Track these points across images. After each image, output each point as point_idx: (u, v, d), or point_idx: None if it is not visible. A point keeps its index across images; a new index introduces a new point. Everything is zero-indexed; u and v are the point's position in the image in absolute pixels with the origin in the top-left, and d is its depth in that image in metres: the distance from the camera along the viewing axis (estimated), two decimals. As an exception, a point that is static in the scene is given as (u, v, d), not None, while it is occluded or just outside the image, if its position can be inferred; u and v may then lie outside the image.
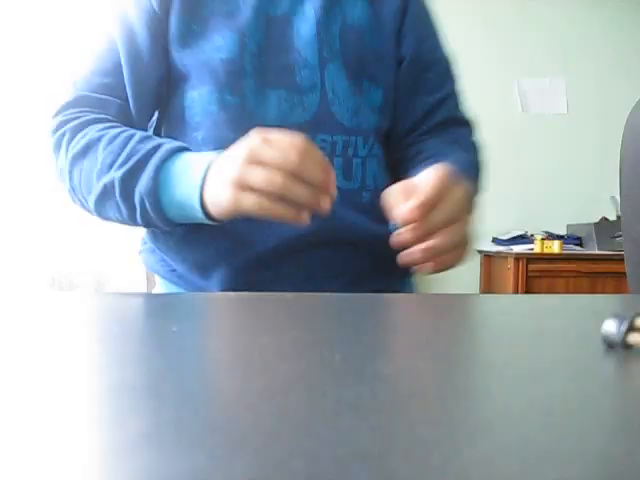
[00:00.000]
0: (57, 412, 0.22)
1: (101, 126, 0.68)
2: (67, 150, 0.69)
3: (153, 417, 0.22)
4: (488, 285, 2.82)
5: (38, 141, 2.19)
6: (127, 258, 2.41)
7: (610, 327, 0.34)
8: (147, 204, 0.63)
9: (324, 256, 0.72)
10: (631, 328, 0.34)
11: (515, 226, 2.86)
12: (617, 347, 0.34)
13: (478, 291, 2.92)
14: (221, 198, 0.59)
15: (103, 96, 0.72)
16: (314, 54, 0.70)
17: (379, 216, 0.67)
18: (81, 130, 0.69)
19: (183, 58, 0.71)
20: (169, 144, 0.65)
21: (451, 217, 0.65)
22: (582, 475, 0.17)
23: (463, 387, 0.27)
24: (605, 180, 2.84)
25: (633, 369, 0.31)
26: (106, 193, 0.66)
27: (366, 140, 0.74)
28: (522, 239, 2.67)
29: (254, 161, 0.56)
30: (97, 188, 0.66)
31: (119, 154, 0.64)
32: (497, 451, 0.18)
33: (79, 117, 0.70)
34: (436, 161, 0.67)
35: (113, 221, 0.72)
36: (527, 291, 2.48)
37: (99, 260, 2.34)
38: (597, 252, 2.53)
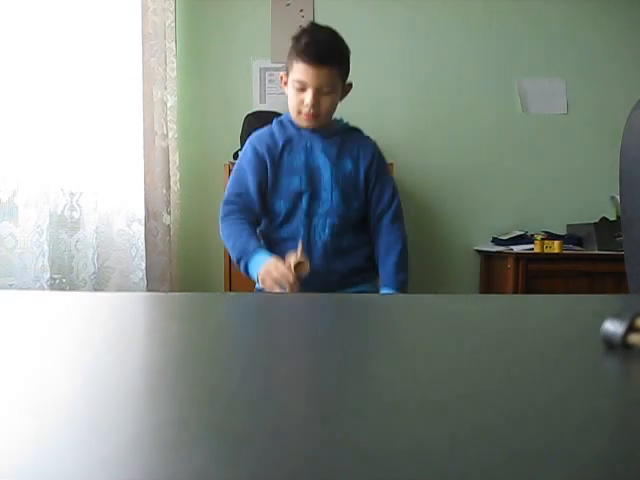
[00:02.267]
0: (57, 412, 0.22)
1: (238, 223, 1.52)
2: (226, 229, 1.54)
3: (153, 417, 0.22)
4: (488, 285, 2.82)
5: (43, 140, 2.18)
6: (127, 258, 2.41)
7: (610, 327, 0.34)
8: (241, 266, 1.50)
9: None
10: (631, 328, 0.34)
11: (515, 226, 2.86)
12: (617, 347, 0.34)
13: (478, 291, 2.93)
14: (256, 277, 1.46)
15: (241, 206, 1.54)
16: (329, 186, 1.52)
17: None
18: (230, 224, 1.54)
19: (275, 192, 1.54)
20: (255, 248, 1.47)
21: None
22: (582, 475, 0.17)
23: (463, 387, 0.27)
24: (605, 180, 2.84)
25: (633, 369, 0.31)
26: (236, 259, 1.51)
27: (346, 218, 1.54)
28: (522, 239, 2.67)
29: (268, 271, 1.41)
30: (232, 252, 1.53)
31: (237, 247, 1.50)
32: (497, 451, 0.18)
33: (231, 218, 1.54)
34: (383, 282, 1.59)
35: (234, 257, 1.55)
36: (527, 291, 2.48)
37: (99, 260, 2.34)
38: (597, 252, 2.53)
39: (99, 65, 2.35)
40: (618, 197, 1.09)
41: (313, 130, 1.52)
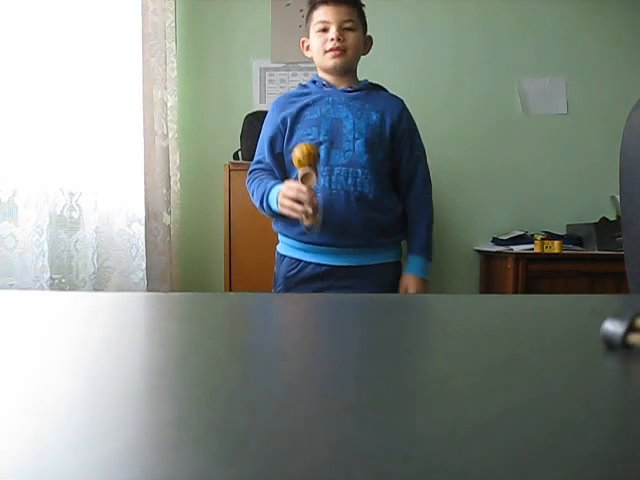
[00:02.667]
0: (57, 412, 0.22)
1: (259, 179, 1.54)
2: (251, 186, 1.56)
3: (153, 417, 0.22)
4: (488, 285, 2.82)
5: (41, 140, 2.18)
6: (127, 258, 2.41)
7: (610, 327, 0.34)
8: (264, 205, 1.49)
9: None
10: (631, 328, 0.34)
11: (515, 226, 2.86)
12: (617, 347, 0.34)
13: (478, 291, 2.93)
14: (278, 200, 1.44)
15: (263, 170, 1.56)
16: (351, 135, 1.47)
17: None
18: (253, 182, 1.55)
19: (290, 143, 1.50)
20: (271, 185, 1.48)
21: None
22: (582, 475, 0.17)
23: (463, 387, 0.27)
24: (605, 180, 2.84)
25: (633, 369, 0.31)
26: (260, 204, 1.52)
27: (369, 169, 1.48)
28: (522, 239, 2.67)
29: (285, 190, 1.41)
30: (257, 202, 1.53)
31: (258, 193, 1.51)
32: (497, 451, 0.18)
33: (254, 177, 1.57)
34: (413, 248, 1.58)
35: (264, 213, 1.54)
36: (527, 291, 2.48)
37: (99, 260, 2.33)
38: (597, 252, 2.53)
39: (99, 65, 2.35)
40: (618, 197, 1.09)
41: (337, 84, 1.51)
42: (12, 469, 0.16)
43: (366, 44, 1.58)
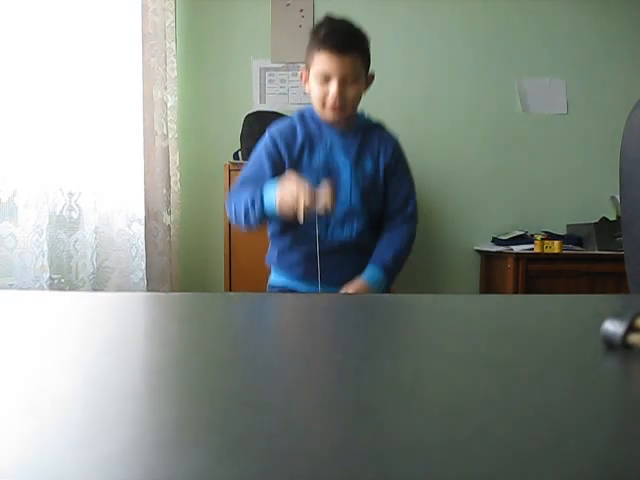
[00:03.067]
0: (57, 412, 0.22)
1: (246, 191, 1.45)
2: (234, 200, 1.48)
3: (153, 417, 0.22)
4: (488, 285, 2.82)
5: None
6: (127, 258, 2.41)
7: (610, 327, 0.34)
8: (257, 203, 1.39)
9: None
10: (631, 328, 0.34)
11: (515, 226, 2.86)
12: (617, 347, 0.34)
13: (478, 291, 2.93)
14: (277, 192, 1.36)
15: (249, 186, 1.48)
16: (348, 185, 1.47)
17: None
18: (239, 193, 1.47)
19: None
20: (264, 184, 1.41)
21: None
22: (582, 475, 0.17)
23: (463, 387, 0.27)
24: (605, 180, 2.84)
25: (633, 369, 0.31)
26: (246, 208, 1.42)
27: (363, 218, 1.49)
28: (522, 239, 2.67)
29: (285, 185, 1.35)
30: (241, 208, 1.43)
31: (244, 198, 1.42)
32: (497, 451, 0.18)
33: (241, 189, 1.48)
34: (374, 261, 1.50)
35: (245, 224, 1.45)
36: (527, 291, 2.48)
37: (98, 259, 2.34)
38: (597, 252, 2.53)
39: (99, 65, 2.35)
40: (618, 197, 1.09)
41: (334, 125, 1.47)
42: (12, 469, 0.16)
43: (368, 82, 1.51)
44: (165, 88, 2.57)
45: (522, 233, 2.75)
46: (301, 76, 1.50)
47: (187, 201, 2.76)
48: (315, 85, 1.42)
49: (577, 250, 2.60)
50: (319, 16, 2.86)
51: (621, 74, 2.94)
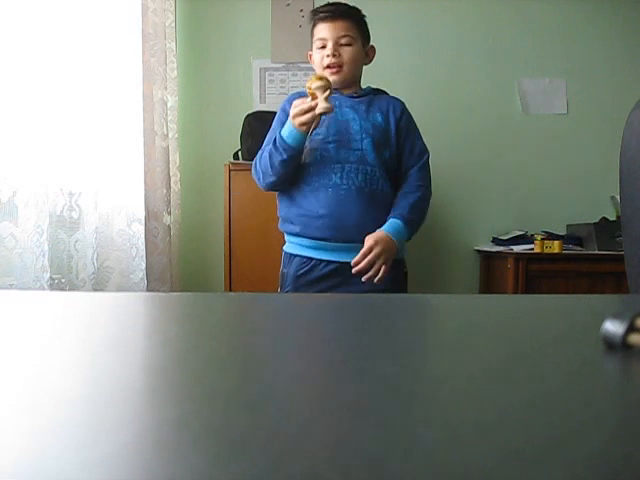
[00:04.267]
0: (57, 412, 0.22)
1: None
2: (258, 159, 1.58)
3: (153, 417, 0.22)
4: (488, 285, 2.81)
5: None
6: (127, 258, 2.41)
7: (610, 327, 0.34)
8: (278, 141, 1.49)
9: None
10: (631, 328, 0.34)
11: (515, 226, 2.86)
12: (617, 347, 0.34)
13: (478, 291, 2.92)
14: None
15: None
16: (359, 135, 1.54)
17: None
18: (262, 153, 1.58)
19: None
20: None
21: (383, 247, 1.48)
22: (582, 475, 0.17)
23: (463, 387, 0.27)
24: (605, 180, 2.84)
25: (633, 369, 0.31)
26: (270, 153, 1.52)
27: (377, 167, 1.55)
28: (522, 239, 2.67)
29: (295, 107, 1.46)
30: (267, 157, 1.53)
31: (266, 149, 1.55)
32: (497, 451, 0.18)
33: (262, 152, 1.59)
34: (391, 213, 1.55)
35: (274, 171, 1.53)
36: (527, 291, 2.48)
37: (99, 260, 2.33)
38: (597, 252, 2.52)
39: (99, 65, 2.35)
40: (618, 197, 1.09)
41: (342, 92, 1.59)
42: (12, 469, 0.16)
43: (368, 54, 1.65)
44: (165, 88, 2.57)
45: (522, 233, 2.74)
46: (310, 57, 1.65)
47: (187, 201, 2.76)
48: (316, 54, 1.58)
49: (577, 250, 2.60)
50: (319, 16, 2.87)
51: (621, 74, 2.94)
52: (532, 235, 2.70)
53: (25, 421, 0.21)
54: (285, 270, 1.61)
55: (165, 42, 2.57)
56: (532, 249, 2.55)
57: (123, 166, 2.41)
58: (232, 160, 2.52)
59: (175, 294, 0.72)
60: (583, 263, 2.51)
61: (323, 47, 1.56)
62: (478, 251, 2.90)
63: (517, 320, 0.52)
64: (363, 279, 1.48)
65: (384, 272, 1.48)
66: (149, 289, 2.40)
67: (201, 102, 2.84)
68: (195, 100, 2.83)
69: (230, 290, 2.41)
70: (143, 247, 2.38)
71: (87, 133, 2.32)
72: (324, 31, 1.55)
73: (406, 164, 1.60)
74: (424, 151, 1.63)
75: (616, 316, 0.35)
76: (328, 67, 1.55)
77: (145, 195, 2.43)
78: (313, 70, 1.69)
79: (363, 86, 1.69)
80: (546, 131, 2.94)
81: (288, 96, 1.66)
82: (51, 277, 2.19)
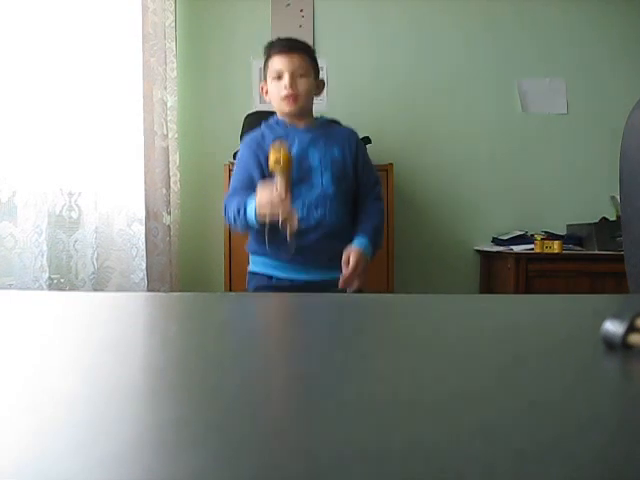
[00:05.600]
0: (57, 412, 0.22)
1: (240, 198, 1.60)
2: (228, 208, 1.62)
3: (153, 417, 0.22)
4: (488, 285, 2.81)
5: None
6: (127, 258, 2.41)
7: (610, 327, 0.34)
8: (241, 213, 1.55)
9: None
10: (631, 328, 0.34)
11: (515, 226, 2.86)
12: (617, 347, 0.34)
13: (478, 291, 2.93)
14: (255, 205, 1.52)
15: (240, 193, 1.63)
16: (319, 171, 1.63)
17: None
18: (232, 201, 1.61)
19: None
20: (249, 195, 1.55)
21: (359, 271, 1.59)
22: (582, 475, 0.17)
23: (463, 387, 0.27)
24: (605, 180, 2.84)
25: (633, 369, 0.31)
26: (235, 217, 1.58)
27: (336, 200, 1.63)
28: (522, 239, 2.67)
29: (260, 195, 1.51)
30: (232, 217, 1.59)
31: (233, 208, 1.58)
32: (497, 451, 0.18)
33: (235, 198, 1.62)
34: (359, 233, 1.64)
35: (236, 229, 1.65)
36: (527, 291, 2.48)
37: (99, 260, 2.33)
38: (597, 252, 2.53)
39: (99, 65, 2.35)
40: (618, 197, 1.09)
41: (298, 126, 1.68)
42: (12, 469, 0.16)
43: (318, 87, 1.72)
44: (165, 88, 2.57)
45: (522, 233, 2.74)
46: (261, 89, 1.73)
47: (187, 201, 2.76)
48: (272, 86, 1.66)
49: (577, 250, 2.60)
50: (319, 16, 2.87)
51: (621, 74, 2.94)
52: (532, 235, 2.70)
53: (25, 421, 0.21)
54: (247, 288, 1.75)
55: (165, 42, 2.57)
56: (532, 249, 2.55)
57: (123, 166, 2.41)
58: (232, 160, 2.52)
59: (175, 294, 0.72)
60: (583, 263, 2.51)
61: (279, 77, 1.62)
62: (478, 251, 2.90)
63: (517, 320, 0.52)
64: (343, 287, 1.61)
65: (362, 283, 1.63)
66: (149, 289, 2.40)
67: (201, 102, 2.84)
68: (195, 100, 2.83)
69: (230, 290, 2.41)
70: (143, 247, 2.38)
71: (87, 133, 2.32)
72: (281, 63, 1.63)
73: (361, 192, 1.71)
74: (377, 181, 1.75)
75: (616, 316, 0.35)
76: (286, 97, 1.62)
77: (145, 195, 2.43)
78: None
79: (321, 114, 1.79)
80: (546, 131, 2.94)
81: (245, 139, 1.72)
82: (50, 277, 2.19)
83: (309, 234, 1.59)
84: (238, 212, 1.57)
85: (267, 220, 1.50)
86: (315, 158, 1.64)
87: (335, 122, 1.78)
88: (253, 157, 1.65)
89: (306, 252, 1.59)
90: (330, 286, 1.59)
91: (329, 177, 1.63)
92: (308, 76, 1.65)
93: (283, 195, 1.48)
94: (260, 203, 1.50)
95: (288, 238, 1.51)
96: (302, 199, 1.60)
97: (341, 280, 1.58)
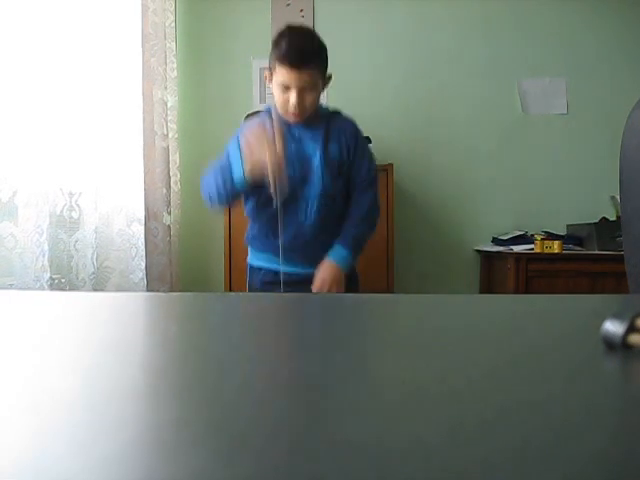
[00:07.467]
0: (57, 412, 0.22)
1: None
2: (205, 181, 1.63)
3: (153, 417, 0.22)
4: (488, 285, 2.82)
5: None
6: (127, 258, 2.41)
7: (610, 327, 0.34)
8: (227, 183, 1.54)
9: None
10: (631, 328, 0.34)
11: (515, 226, 2.86)
12: (617, 347, 0.34)
13: (478, 291, 2.93)
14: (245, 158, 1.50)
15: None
16: (319, 170, 1.61)
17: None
18: (208, 174, 1.62)
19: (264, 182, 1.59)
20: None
21: (332, 279, 1.59)
22: (582, 474, 0.17)
23: (463, 387, 0.27)
24: (605, 180, 2.84)
25: (633, 369, 0.31)
26: (219, 189, 1.56)
27: (334, 196, 1.64)
28: (522, 239, 2.67)
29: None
30: (214, 190, 1.58)
31: (213, 171, 1.59)
32: (497, 451, 0.18)
33: (208, 171, 1.63)
34: (339, 241, 1.63)
35: (220, 204, 1.65)
36: (527, 291, 2.48)
37: (99, 260, 2.33)
38: (597, 252, 2.53)
39: (99, 65, 2.35)
40: (618, 197, 1.09)
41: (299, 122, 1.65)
42: (12, 469, 0.16)
43: (325, 83, 1.67)
44: (165, 88, 2.57)
45: (522, 233, 2.74)
46: (265, 77, 1.69)
47: (187, 201, 2.76)
48: (277, 91, 1.60)
49: (577, 250, 2.60)
50: (319, 16, 2.87)
51: (621, 74, 2.94)
52: (532, 235, 2.70)
53: (25, 421, 0.21)
54: (249, 280, 1.74)
55: (165, 42, 2.57)
56: (532, 249, 2.55)
57: (123, 166, 2.41)
58: (232, 160, 2.52)
59: (175, 294, 0.72)
60: (583, 263, 2.51)
61: (286, 88, 1.57)
62: (478, 251, 2.90)
63: (517, 320, 0.52)
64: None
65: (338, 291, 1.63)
66: (149, 289, 2.40)
67: (201, 102, 2.84)
68: (195, 100, 2.83)
69: (230, 290, 2.41)
70: (143, 247, 2.38)
71: (87, 133, 2.32)
72: (289, 79, 1.56)
73: (354, 181, 1.69)
74: (370, 168, 1.71)
75: (616, 316, 0.35)
76: (291, 113, 1.58)
77: (145, 195, 2.43)
78: None
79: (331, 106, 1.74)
80: (546, 131, 2.94)
81: (246, 124, 1.67)
82: (51, 277, 2.19)
83: (309, 228, 1.61)
84: (223, 183, 1.52)
85: (257, 170, 1.45)
86: (316, 157, 1.63)
87: (336, 112, 1.74)
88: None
89: (306, 247, 1.60)
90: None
91: (329, 176, 1.63)
92: (316, 89, 1.60)
93: (280, 148, 1.44)
94: (251, 164, 1.45)
95: (274, 192, 1.47)
96: (305, 198, 1.60)
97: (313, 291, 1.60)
